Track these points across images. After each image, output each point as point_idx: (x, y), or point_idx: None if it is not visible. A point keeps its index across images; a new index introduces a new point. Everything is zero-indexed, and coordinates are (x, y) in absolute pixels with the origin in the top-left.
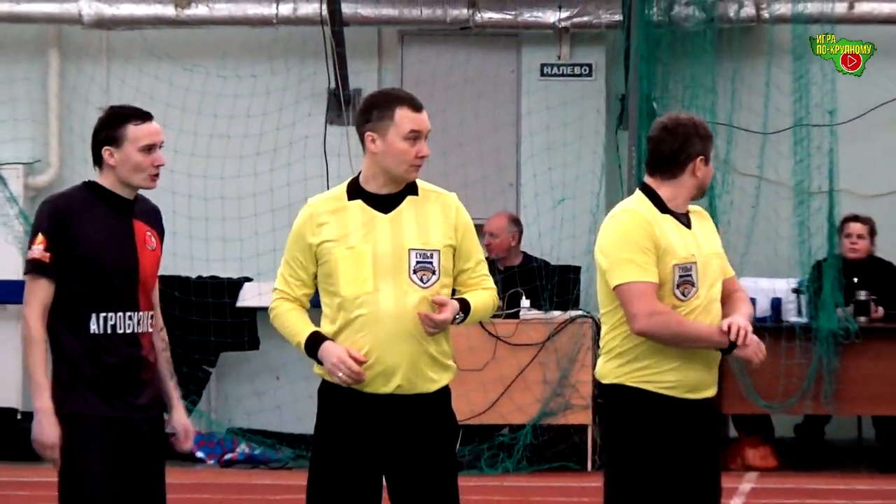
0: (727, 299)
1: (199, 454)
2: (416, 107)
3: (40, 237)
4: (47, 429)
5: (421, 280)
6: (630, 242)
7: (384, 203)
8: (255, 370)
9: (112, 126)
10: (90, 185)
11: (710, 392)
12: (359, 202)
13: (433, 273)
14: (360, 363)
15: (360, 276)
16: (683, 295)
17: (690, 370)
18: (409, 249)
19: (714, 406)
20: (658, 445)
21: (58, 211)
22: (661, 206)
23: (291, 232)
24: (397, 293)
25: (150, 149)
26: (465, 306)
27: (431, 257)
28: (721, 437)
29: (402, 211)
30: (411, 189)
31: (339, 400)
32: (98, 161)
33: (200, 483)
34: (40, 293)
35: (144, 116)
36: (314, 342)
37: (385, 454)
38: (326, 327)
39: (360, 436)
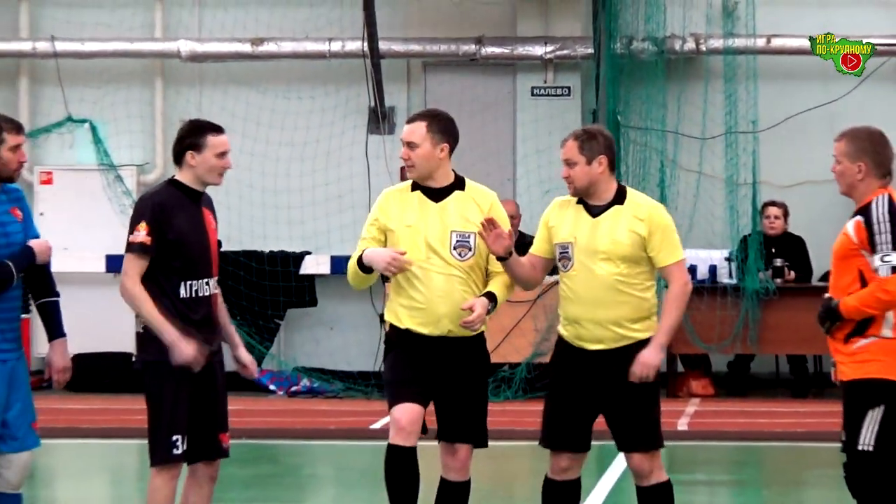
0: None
1: (272, 387)
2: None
3: (143, 224)
4: (185, 349)
5: (459, 255)
6: (541, 222)
7: (436, 194)
8: (313, 323)
9: (195, 135)
10: (173, 183)
11: (602, 346)
12: (418, 192)
13: (469, 250)
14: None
15: (416, 246)
16: (564, 267)
17: (577, 327)
18: (451, 231)
19: (617, 355)
20: (553, 378)
21: (156, 206)
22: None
23: (372, 210)
24: (443, 263)
25: (222, 155)
26: (492, 297)
27: (469, 238)
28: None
29: (448, 201)
30: (460, 185)
31: (403, 339)
32: (179, 161)
33: (273, 409)
34: (139, 268)
35: (219, 129)
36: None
37: (436, 381)
38: (393, 283)
39: (419, 366)
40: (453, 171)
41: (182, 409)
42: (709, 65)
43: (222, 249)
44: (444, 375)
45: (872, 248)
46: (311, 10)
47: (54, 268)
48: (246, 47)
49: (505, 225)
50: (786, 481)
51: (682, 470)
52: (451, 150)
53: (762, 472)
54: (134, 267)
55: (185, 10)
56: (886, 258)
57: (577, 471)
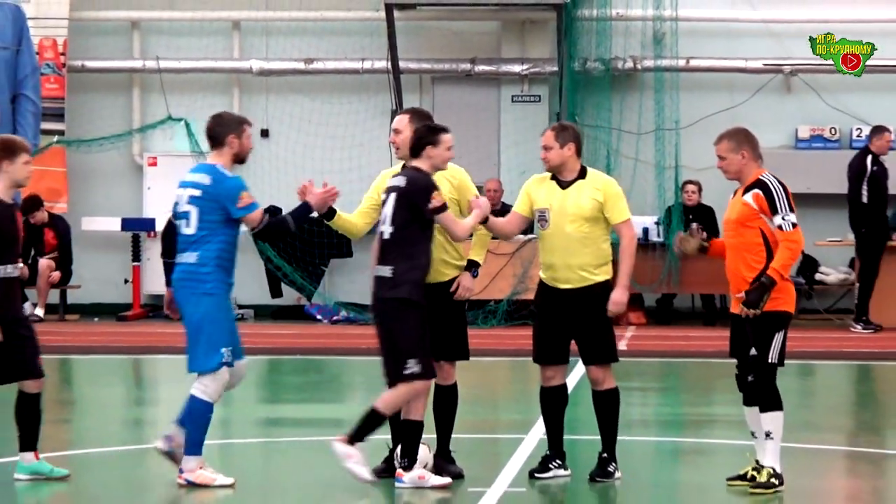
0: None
1: (319, 317)
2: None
3: (437, 193)
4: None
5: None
6: (522, 191)
7: None
8: (350, 268)
9: (433, 134)
10: (414, 169)
11: (571, 285)
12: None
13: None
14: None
15: None
16: (542, 227)
17: (552, 272)
18: None
19: (583, 293)
20: (537, 310)
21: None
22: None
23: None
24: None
25: (450, 148)
26: (473, 264)
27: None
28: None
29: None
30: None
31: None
32: (418, 154)
33: (319, 333)
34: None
35: (448, 130)
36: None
37: (429, 313)
38: None
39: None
40: None
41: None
42: (643, 79)
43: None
44: (435, 309)
45: (773, 211)
46: (348, 38)
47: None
48: (300, 65)
49: (471, 191)
50: (699, 388)
51: (622, 379)
52: None
53: (681, 381)
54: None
55: (255, 37)
56: (787, 217)
57: (562, 378)
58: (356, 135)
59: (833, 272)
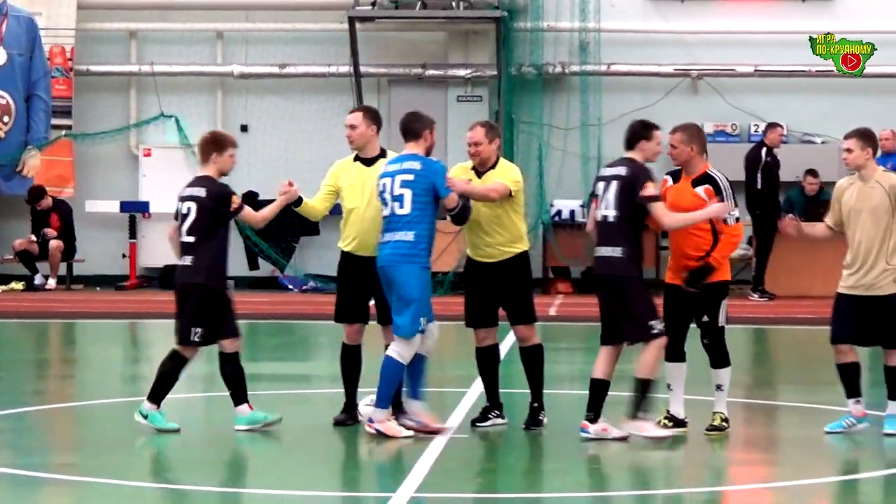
0: None
1: (290, 286)
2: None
3: (649, 184)
4: None
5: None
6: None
7: (368, 162)
8: (318, 244)
9: (648, 129)
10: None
11: (491, 259)
12: (357, 162)
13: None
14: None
15: (357, 196)
16: None
17: (476, 248)
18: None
19: (503, 265)
20: (466, 282)
21: None
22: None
23: (328, 173)
24: (374, 206)
25: (659, 143)
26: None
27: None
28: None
29: (376, 166)
30: (383, 155)
31: (346, 260)
32: (633, 146)
33: (291, 300)
34: None
35: (658, 127)
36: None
37: (370, 284)
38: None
39: (353, 278)
40: (381, 146)
41: None
42: (570, 82)
43: (261, 198)
44: (374, 281)
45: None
46: (317, 46)
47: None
48: (275, 69)
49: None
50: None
51: (552, 340)
52: (378, 131)
53: None
54: None
55: (236, 45)
56: (731, 212)
57: (493, 339)
58: (323, 130)
59: None
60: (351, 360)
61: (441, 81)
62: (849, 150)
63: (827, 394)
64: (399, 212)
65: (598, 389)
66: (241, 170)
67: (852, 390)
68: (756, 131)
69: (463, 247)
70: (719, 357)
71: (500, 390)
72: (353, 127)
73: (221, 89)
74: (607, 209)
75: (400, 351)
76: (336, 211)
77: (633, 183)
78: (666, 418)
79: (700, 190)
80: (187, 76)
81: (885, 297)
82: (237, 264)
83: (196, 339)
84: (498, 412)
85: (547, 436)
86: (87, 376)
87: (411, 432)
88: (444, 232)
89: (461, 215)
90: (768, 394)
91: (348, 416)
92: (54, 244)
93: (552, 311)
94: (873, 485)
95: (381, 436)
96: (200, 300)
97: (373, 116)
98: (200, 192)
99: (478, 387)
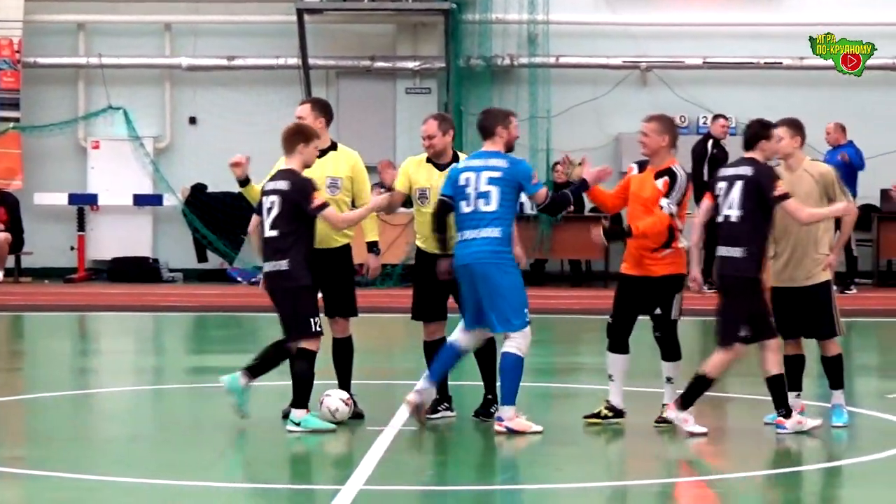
0: None
1: (239, 279)
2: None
3: (780, 182)
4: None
5: (331, 192)
6: (401, 172)
7: (320, 155)
8: None
9: (767, 128)
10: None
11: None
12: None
13: (337, 188)
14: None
15: None
16: (422, 203)
17: (428, 241)
18: (326, 176)
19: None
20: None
21: None
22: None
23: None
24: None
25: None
26: (374, 245)
27: (337, 180)
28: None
29: (326, 158)
30: (334, 147)
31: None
32: (752, 146)
33: (239, 293)
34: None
35: (775, 126)
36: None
37: (318, 276)
38: None
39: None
40: (331, 138)
41: None
42: (519, 74)
43: (210, 191)
44: (326, 273)
45: (667, 194)
46: (265, 38)
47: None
48: (223, 62)
49: (362, 173)
50: (567, 341)
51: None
52: (328, 123)
53: (551, 334)
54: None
55: (184, 37)
56: (671, 205)
57: (442, 332)
58: (271, 121)
59: (684, 241)
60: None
61: (390, 74)
62: (779, 139)
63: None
64: (485, 208)
65: (773, 385)
66: (188, 162)
67: (793, 383)
68: (705, 123)
69: (411, 239)
70: (671, 350)
71: (451, 383)
72: (301, 118)
73: (170, 81)
74: (731, 209)
75: (518, 345)
76: None
77: (759, 183)
78: (606, 409)
79: (660, 183)
80: (135, 68)
81: (814, 286)
82: (185, 256)
83: (318, 329)
84: (447, 405)
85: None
86: (36, 369)
87: (541, 427)
88: (392, 224)
89: (553, 207)
90: (717, 386)
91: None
92: (2, 237)
93: None
94: (816, 476)
95: (512, 433)
96: (302, 296)
97: (322, 108)
98: (284, 185)
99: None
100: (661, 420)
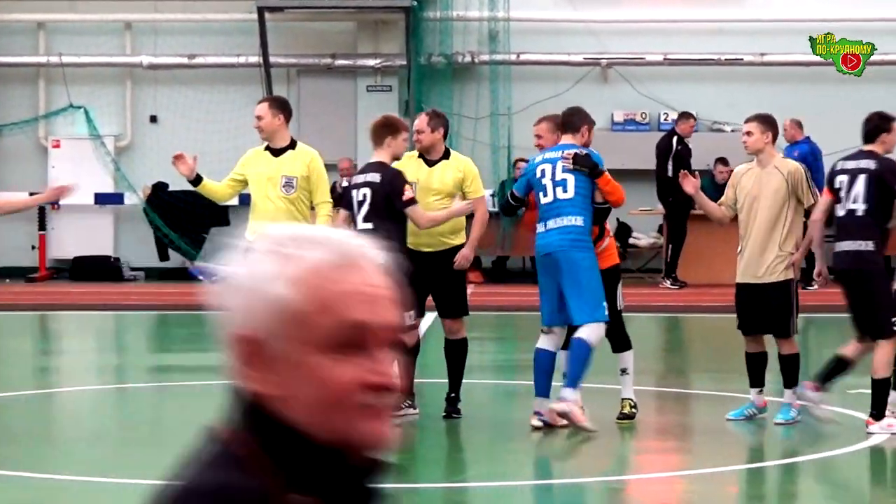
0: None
1: (201, 277)
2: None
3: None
4: None
5: (286, 191)
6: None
7: (276, 152)
8: (228, 235)
9: (889, 121)
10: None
11: (430, 248)
12: (266, 151)
13: (293, 188)
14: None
15: (262, 184)
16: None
17: (416, 236)
18: (281, 175)
19: (441, 255)
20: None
21: None
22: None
23: (239, 160)
24: (276, 195)
25: None
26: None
27: (293, 180)
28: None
29: (284, 156)
30: (293, 146)
31: None
32: (873, 139)
33: (203, 291)
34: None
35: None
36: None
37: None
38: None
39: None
40: (290, 136)
41: None
42: (480, 71)
43: (171, 189)
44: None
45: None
46: (226, 37)
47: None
48: (184, 60)
49: (319, 171)
50: (528, 337)
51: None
52: (287, 121)
53: (513, 331)
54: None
55: (145, 35)
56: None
57: (417, 329)
58: (232, 120)
59: (644, 237)
60: None
61: (350, 71)
62: (749, 134)
63: (735, 382)
64: (563, 196)
65: (877, 387)
66: (150, 160)
67: (755, 380)
68: (666, 120)
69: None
70: (621, 341)
71: (415, 380)
72: (259, 118)
73: (130, 80)
74: (855, 203)
75: (589, 333)
76: (246, 200)
77: (883, 176)
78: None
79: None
80: (96, 67)
81: (775, 283)
82: (147, 255)
83: (412, 322)
84: (410, 402)
85: (461, 425)
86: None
87: (595, 427)
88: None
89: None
90: (678, 382)
91: None
92: None
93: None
94: (778, 472)
95: (566, 418)
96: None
97: (280, 106)
98: (375, 177)
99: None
100: (623, 416)
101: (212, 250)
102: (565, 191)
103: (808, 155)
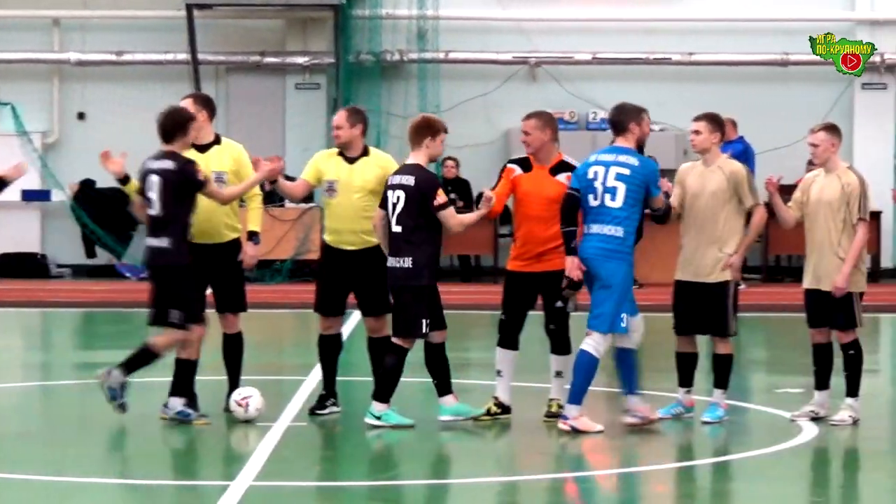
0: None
1: (127, 274)
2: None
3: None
4: None
5: (217, 187)
6: (311, 163)
7: (202, 148)
8: None
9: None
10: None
11: (352, 247)
12: (193, 150)
13: (224, 183)
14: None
15: None
16: (330, 196)
17: (338, 235)
18: (212, 171)
19: (363, 254)
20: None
21: None
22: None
23: None
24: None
25: None
26: (254, 234)
27: (223, 175)
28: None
29: (211, 152)
30: (217, 141)
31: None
32: None
33: (128, 289)
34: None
35: None
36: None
37: (207, 272)
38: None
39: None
40: (215, 132)
41: None
42: (409, 69)
43: (98, 186)
44: (216, 267)
45: None
46: (154, 33)
47: None
48: (113, 57)
49: (247, 166)
50: (457, 335)
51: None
52: (210, 118)
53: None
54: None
55: (73, 32)
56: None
57: (338, 328)
58: None
59: None
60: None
61: (279, 69)
62: (697, 133)
63: (667, 381)
64: (610, 204)
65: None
66: (78, 157)
67: (684, 379)
68: (594, 119)
69: (301, 234)
70: (562, 344)
71: (339, 378)
72: None
73: (58, 76)
74: None
75: (596, 346)
76: None
77: None
78: (495, 405)
79: (562, 177)
80: (23, 63)
81: (713, 284)
82: (74, 252)
83: (425, 331)
84: (334, 400)
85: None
86: None
87: (602, 427)
88: (281, 220)
89: (666, 214)
90: (608, 381)
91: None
92: None
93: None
94: (706, 471)
95: (576, 432)
96: (420, 296)
97: (203, 102)
98: (409, 180)
99: (316, 375)
100: (551, 415)
101: (138, 248)
102: (613, 199)
103: (742, 154)
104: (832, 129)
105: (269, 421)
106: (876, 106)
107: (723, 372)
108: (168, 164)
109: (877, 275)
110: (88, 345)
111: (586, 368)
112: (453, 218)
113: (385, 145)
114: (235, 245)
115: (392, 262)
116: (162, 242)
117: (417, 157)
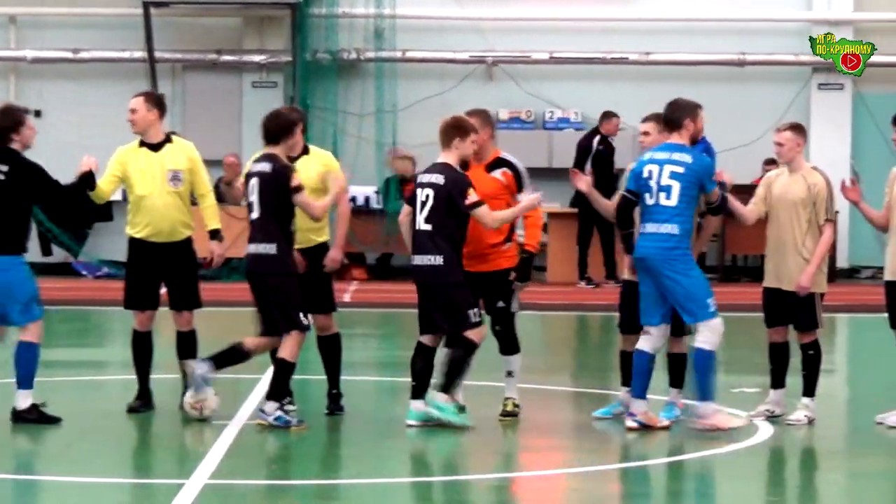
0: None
1: (84, 272)
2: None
3: None
4: None
5: (173, 185)
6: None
7: (154, 147)
8: (111, 230)
9: None
10: None
11: (297, 245)
12: (143, 148)
13: (180, 181)
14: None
15: (146, 181)
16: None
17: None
18: (168, 169)
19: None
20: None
21: None
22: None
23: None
24: (162, 190)
25: None
26: (216, 233)
27: (179, 173)
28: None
29: (164, 151)
30: (169, 140)
31: (137, 247)
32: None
33: (84, 286)
34: None
35: None
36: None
37: (162, 270)
38: (130, 206)
39: (144, 265)
40: (166, 132)
41: None
42: (366, 68)
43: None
44: (169, 266)
45: (519, 188)
46: (111, 31)
47: None
48: (69, 54)
49: (200, 163)
50: (412, 334)
51: (346, 327)
52: (161, 116)
53: (397, 328)
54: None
55: (29, 29)
56: (531, 196)
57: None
58: (118, 115)
59: (520, 232)
60: (142, 347)
61: (236, 67)
62: (646, 134)
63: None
64: (665, 202)
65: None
66: (34, 155)
67: (627, 378)
68: (551, 118)
69: None
70: (510, 344)
71: (295, 377)
72: (133, 111)
73: (14, 74)
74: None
75: (705, 339)
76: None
77: None
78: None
79: (497, 174)
80: None
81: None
82: (30, 250)
83: (476, 320)
84: (290, 399)
85: (341, 422)
86: None
87: (668, 423)
88: (238, 217)
89: (721, 207)
90: (561, 379)
91: (142, 403)
92: None
93: (346, 297)
94: (659, 470)
95: (715, 430)
96: (461, 288)
97: (154, 101)
98: (439, 178)
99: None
100: (506, 414)
101: (95, 245)
102: (668, 197)
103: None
104: (798, 128)
105: (225, 419)
106: (833, 106)
107: (678, 370)
108: (266, 167)
109: (833, 275)
110: (45, 343)
111: (707, 363)
112: (488, 215)
113: (341, 144)
114: (188, 242)
115: (419, 259)
116: (259, 248)
117: (447, 157)
